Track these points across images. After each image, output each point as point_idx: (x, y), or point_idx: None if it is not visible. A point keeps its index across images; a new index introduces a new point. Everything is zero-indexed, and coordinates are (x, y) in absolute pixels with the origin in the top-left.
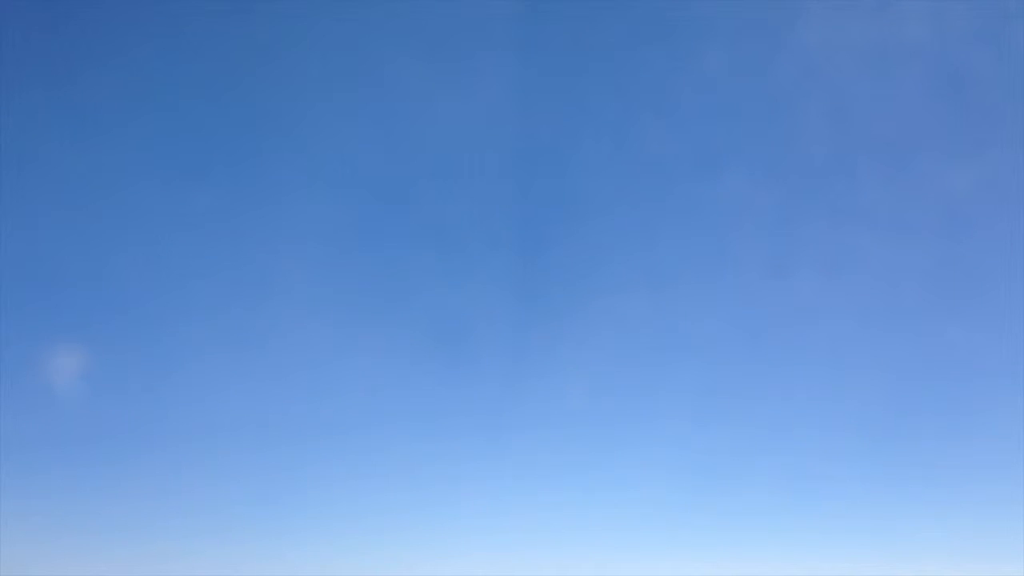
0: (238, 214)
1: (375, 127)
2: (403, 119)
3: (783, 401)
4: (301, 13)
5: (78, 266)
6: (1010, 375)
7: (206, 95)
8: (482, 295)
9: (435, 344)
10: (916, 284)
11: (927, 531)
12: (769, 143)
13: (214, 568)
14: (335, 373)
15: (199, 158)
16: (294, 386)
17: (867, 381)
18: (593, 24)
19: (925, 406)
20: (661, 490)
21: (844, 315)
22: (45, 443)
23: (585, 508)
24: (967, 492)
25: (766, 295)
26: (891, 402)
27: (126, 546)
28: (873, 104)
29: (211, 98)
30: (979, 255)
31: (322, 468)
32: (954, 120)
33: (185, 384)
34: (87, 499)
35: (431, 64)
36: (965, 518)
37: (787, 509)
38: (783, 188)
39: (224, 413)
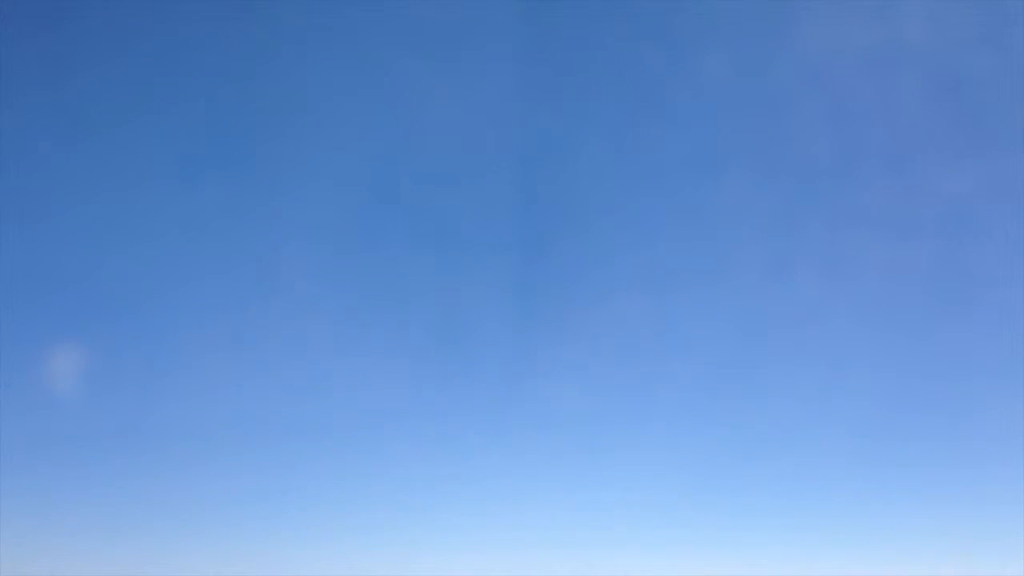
0: (238, 214)
1: (375, 127)
2: (403, 119)
3: (784, 402)
4: (301, 12)
5: (78, 266)
6: (1011, 376)
7: (205, 94)
8: (483, 295)
9: (435, 344)
10: (917, 285)
11: (928, 531)
12: (770, 144)
13: (214, 568)
14: (335, 373)
15: (198, 158)
16: (294, 386)
17: (868, 382)
18: (593, 24)
19: (926, 407)
20: (662, 490)
21: (845, 316)
22: (45, 443)
23: (585, 508)
24: (968, 492)
25: (767, 296)
26: (892, 403)
27: (126, 545)
28: (874, 106)
29: (210, 98)
30: (980, 257)
31: (322, 468)
32: (955, 122)
33: (185, 384)
34: (87, 499)
35: (431, 64)
36: (966, 518)
37: (788, 509)
38: (784, 189)
39: (223, 413)
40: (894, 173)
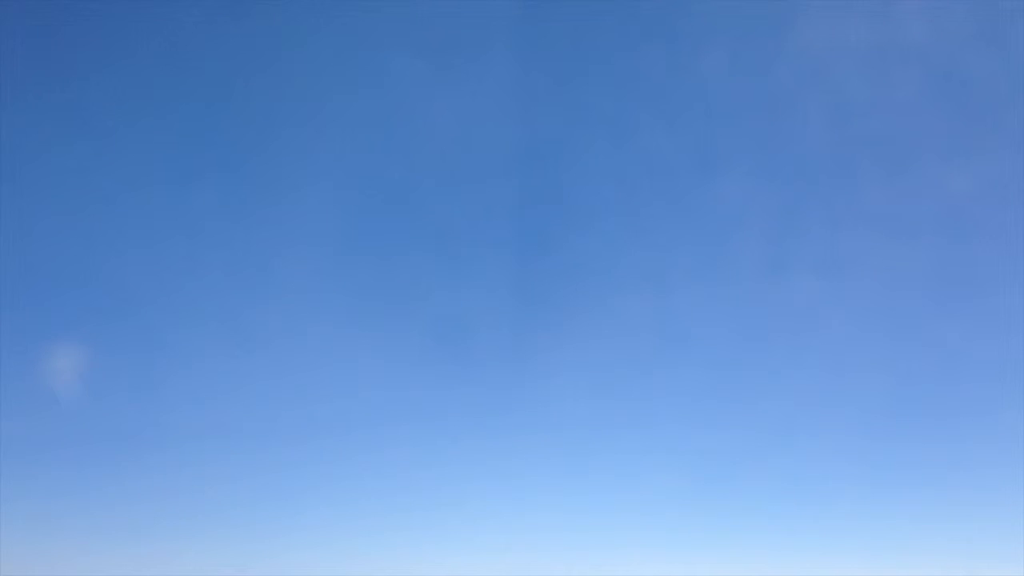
0: (239, 215)
1: (376, 128)
2: (404, 120)
3: (783, 403)
4: (301, 14)
5: (78, 266)
6: (1010, 376)
7: (207, 96)
8: (483, 296)
9: (436, 345)
10: (916, 285)
11: (927, 531)
12: (769, 144)
13: (214, 568)
14: (336, 374)
15: (200, 159)
16: (295, 387)
17: (867, 382)
18: (593, 24)
19: (925, 407)
20: (661, 491)
21: (844, 317)
22: (45, 444)
23: (585, 509)
24: (967, 493)
25: (766, 297)
26: (891, 403)
27: (126, 546)
28: (873, 105)
29: (212, 99)
30: (979, 256)
31: (323, 468)
32: (954, 121)
33: (185, 384)
34: (87, 500)
35: (431, 64)
36: (965, 519)
37: (787, 510)
38: (783, 189)
39: (224, 413)
40: (894, 172)
